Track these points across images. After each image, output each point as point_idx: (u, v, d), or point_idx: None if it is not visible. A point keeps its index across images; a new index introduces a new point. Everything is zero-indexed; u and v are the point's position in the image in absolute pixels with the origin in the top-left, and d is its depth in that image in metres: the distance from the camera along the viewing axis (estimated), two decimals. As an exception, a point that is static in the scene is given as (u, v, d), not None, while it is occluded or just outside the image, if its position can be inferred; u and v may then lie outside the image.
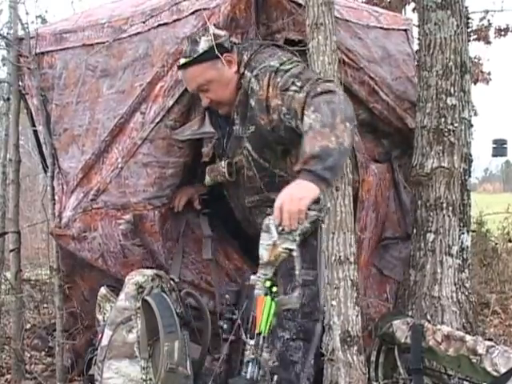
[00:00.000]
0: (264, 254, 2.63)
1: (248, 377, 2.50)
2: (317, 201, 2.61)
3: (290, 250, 2.61)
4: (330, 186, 2.71)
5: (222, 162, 3.18)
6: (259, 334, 2.52)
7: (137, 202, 3.37)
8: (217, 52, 2.96)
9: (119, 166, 3.35)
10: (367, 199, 3.42)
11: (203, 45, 2.99)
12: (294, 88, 2.82)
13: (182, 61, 3.04)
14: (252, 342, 2.54)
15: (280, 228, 2.57)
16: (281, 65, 2.93)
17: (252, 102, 2.99)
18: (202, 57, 2.99)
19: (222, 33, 3.05)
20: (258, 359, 2.52)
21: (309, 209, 2.55)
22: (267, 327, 2.53)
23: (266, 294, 2.56)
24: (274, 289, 2.58)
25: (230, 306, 2.81)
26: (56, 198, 3.56)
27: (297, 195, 2.54)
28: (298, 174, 2.64)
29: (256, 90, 2.96)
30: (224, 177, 3.17)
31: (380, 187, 3.59)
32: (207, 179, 3.25)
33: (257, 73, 2.97)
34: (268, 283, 2.58)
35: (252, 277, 2.66)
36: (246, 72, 3.03)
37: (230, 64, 3.04)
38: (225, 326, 2.76)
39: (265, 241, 2.63)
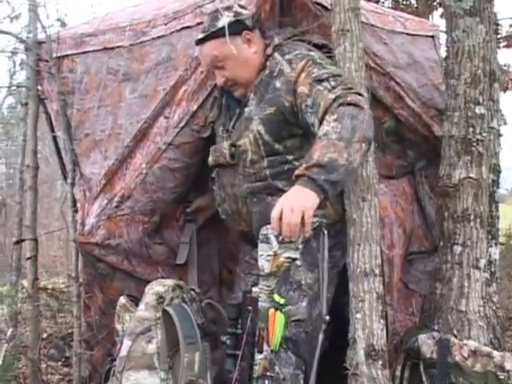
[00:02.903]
0: (265, 265, 2.58)
1: None
2: (320, 206, 2.55)
3: (293, 259, 2.56)
4: (326, 199, 2.63)
5: (225, 143, 3.04)
6: (272, 350, 2.48)
7: (165, 204, 3.41)
8: (226, 30, 2.89)
9: (143, 171, 3.31)
10: (387, 216, 3.35)
11: (224, 20, 2.92)
12: (326, 85, 2.76)
13: (200, 36, 2.97)
14: (261, 357, 2.49)
15: (280, 237, 2.51)
16: (320, 59, 2.88)
17: (277, 84, 2.90)
18: (220, 31, 2.92)
19: (244, 11, 3.00)
20: (272, 375, 2.48)
21: None
22: (278, 342, 2.48)
23: (276, 309, 2.50)
24: (282, 301, 2.53)
25: (232, 320, 2.74)
26: (78, 204, 3.51)
27: (298, 206, 2.47)
28: (297, 178, 2.57)
29: (286, 71, 2.88)
30: (225, 159, 3.03)
31: (399, 203, 3.52)
32: (210, 159, 3.13)
33: (290, 57, 2.91)
34: (277, 297, 2.52)
35: (254, 289, 2.62)
36: (275, 54, 2.96)
37: (250, 43, 2.98)
38: (228, 342, 2.68)
39: (264, 251, 2.58)
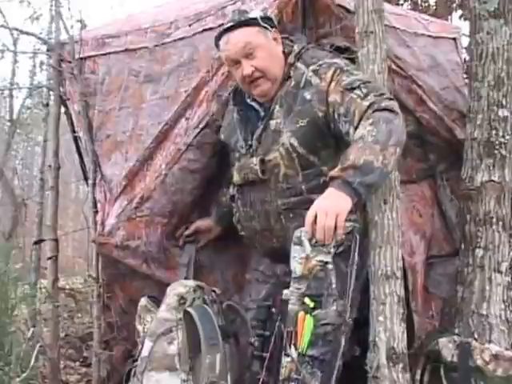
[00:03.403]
0: (297, 267, 2.56)
1: None
2: (352, 210, 2.52)
3: (325, 263, 2.54)
4: (360, 201, 2.61)
5: (254, 159, 2.94)
6: (299, 353, 2.47)
7: (184, 206, 3.40)
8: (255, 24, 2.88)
9: (163, 172, 3.31)
10: (402, 223, 3.33)
11: (254, 13, 2.89)
12: (358, 92, 2.72)
13: (229, 24, 2.89)
14: (288, 359, 2.48)
15: (313, 240, 2.50)
16: (346, 65, 2.86)
17: (307, 95, 2.84)
18: (253, 21, 2.87)
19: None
20: (298, 377, 2.47)
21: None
22: (306, 345, 2.48)
23: (306, 312, 2.49)
24: (312, 304, 2.52)
25: (260, 321, 2.73)
26: (98, 205, 3.50)
27: (332, 209, 2.45)
28: (331, 179, 2.55)
29: (316, 83, 2.83)
30: (256, 175, 2.92)
31: (416, 209, 3.52)
32: (236, 178, 3.04)
33: (315, 68, 2.87)
34: (307, 300, 2.51)
35: (285, 291, 2.59)
36: (298, 64, 2.92)
37: (277, 42, 2.94)
38: (256, 343, 2.68)
39: (297, 254, 2.57)
